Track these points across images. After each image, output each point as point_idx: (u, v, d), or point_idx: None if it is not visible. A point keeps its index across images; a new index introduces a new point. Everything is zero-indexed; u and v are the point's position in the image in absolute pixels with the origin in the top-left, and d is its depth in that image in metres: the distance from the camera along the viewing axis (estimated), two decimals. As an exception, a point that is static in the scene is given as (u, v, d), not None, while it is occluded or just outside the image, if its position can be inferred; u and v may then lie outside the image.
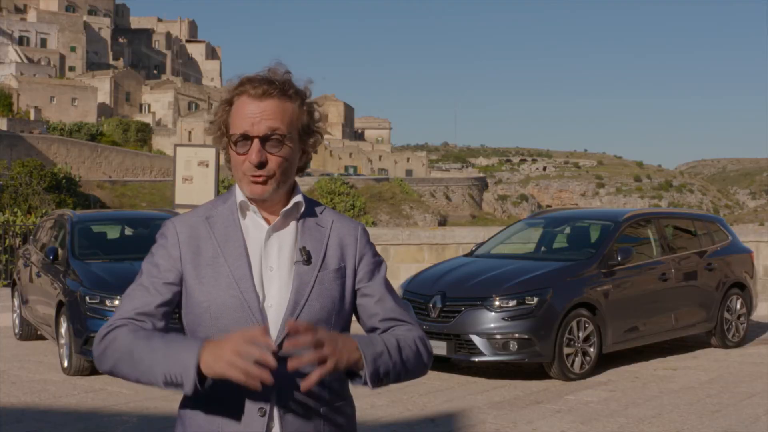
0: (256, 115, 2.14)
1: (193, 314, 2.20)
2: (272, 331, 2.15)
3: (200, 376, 2.00)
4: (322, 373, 1.98)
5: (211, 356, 1.97)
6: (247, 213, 2.24)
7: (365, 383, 2.09)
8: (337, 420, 2.22)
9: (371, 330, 2.29)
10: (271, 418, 2.12)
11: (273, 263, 2.20)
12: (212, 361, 1.96)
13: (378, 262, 2.32)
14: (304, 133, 2.23)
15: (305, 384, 1.99)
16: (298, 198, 2.24)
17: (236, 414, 2.12)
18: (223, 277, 2.17)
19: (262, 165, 2.15)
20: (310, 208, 2.29)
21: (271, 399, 2.12)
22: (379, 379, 2.11)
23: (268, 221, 2.23)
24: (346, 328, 2.27)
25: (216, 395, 2.11)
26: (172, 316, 2.24)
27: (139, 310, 2.18)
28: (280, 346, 2.12)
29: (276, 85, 2.17)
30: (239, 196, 2.24)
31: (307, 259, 2.20)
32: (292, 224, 2.24)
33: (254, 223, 2.23)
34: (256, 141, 2.14)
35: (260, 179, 2.16)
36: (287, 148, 2.17)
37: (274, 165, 2.16)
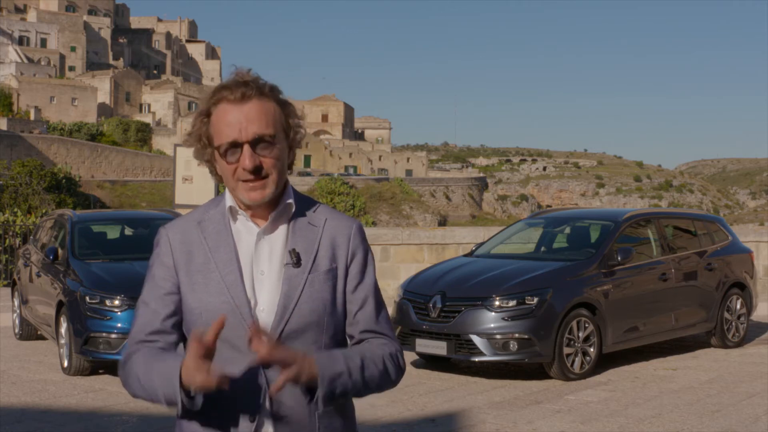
0: (241, 120, 2.11)
1: (187, 321, 2.20)
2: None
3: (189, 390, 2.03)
4: (278, 387, 2.01)
5: (184, 369, 2.00)
6: (238, 217, 2.21)
7: (316, 403, 2.08)
8: (335, 422, 2.21)
9: (349, 336, 2.28)
10: (261, 424, 2.12)
11: (264, 267, 2.17)
12: (185, 375, 1.99)
13: (368, 264, 2.28)
14: (288, 129, 2.20)
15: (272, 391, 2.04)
16: (288, 200, 2.21)
17: (229, 420, 2.12)
18: (213, 283, 2.15)
19: (257, 170, 2.12)
20: (304, 207, 2.25)
21: (263, 405, 2.12)
22: (333, 399, 2.11)
23: (259, 224, 2.20)
24: (339, 329, 2.25)
25: (210, 401, 2.12)
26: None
27: (147, 329, 2.20)
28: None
29: (252, 86, 2.13)
30: (228, 201, 2.21)
31: (297, 262, 2.17)
32: (284, 226, 2.21)
33: (245, 227, 2.21)
34: (246, 146, 2.11)
35: (258, 184, 2.13)
36: (277, 148, 2.15)
37: (269, 166, 2.14)
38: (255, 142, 2.11)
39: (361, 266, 2.25)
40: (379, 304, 2.30)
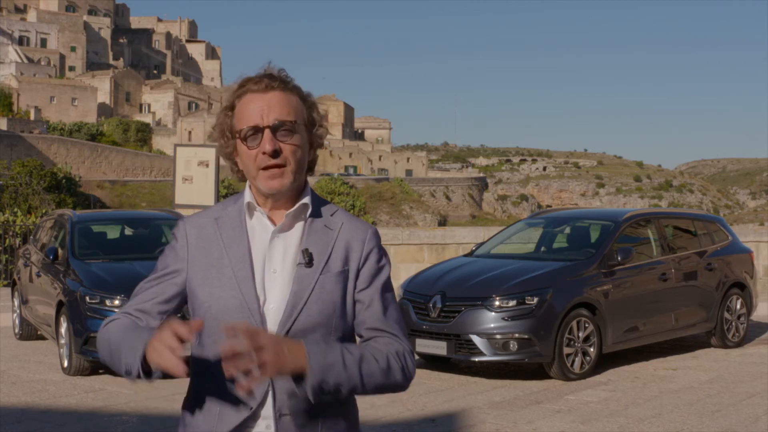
0: (263, 107, 2.15)
1: (196, 315, 2.22)
2: None
3: (148, 366, 2.02)
4: (259, 379, 1.92)
5: (151, 346, 1.99)
6: (255, 214, 2.23)
7: (305, 392, 2.02)
8: (339, 423, 2.20)
9: (358, 335, 2.27)
10: (264, 419, 2.12)
11: (277, 265, 2.18)
12: (151, 351, 1.99)
13: (381, 268, 2.26)
14: (310, 124, 2.24)
15: (239, 387, 1.92)
16: (305, 199, 2.22)
17: (231, 417, 2.12)
18: (226, 279, 2.17)
19: (276, 153, 2.14)
20: (321, 209, 2.26)
21: (266, 402, 2.12)
22: (326, 391, 2.03)
23: (275, 222, 2.22)
24: (347, 332, 2.24)
25: (214, 397, 2.14)
26: (170, 315, 2.25)
27: (136, 306, 2.24)
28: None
29: (277, 78, 2.19)
30: (247, 196, 2.23)
31: (309, 262, 2.17)
32: (299, 226, 2.22)
33: (261, 224, 2.22)
34: (267, 131, 2.14)
35: (277, 171, 2.15)
36: (298, 135, 2.18)
37: (288, 153, 2.16)
38: (275, 128, 2.15)
39: (372, 270, 2.24)
40: (388, 304, 2.26)
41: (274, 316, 2.15)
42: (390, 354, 2.17)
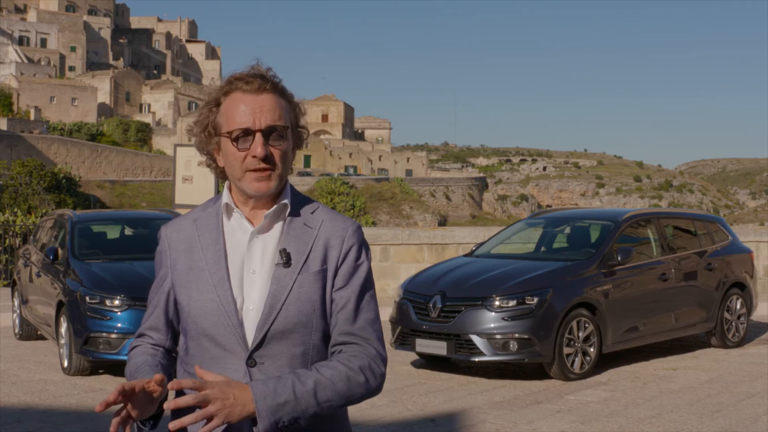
0: (255, 109, 2.13)
1: (180, 318, 2.24)
2: (249, 335, 2.14)
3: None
4: (210, 428, 1.93)
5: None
6: (233, 215, 2.21)
7: None
8: (327, 426, 2.17)
9: (332, 341, 2.21)
10: (246, 424, 2.07)
11: (256, 266, 2.17)
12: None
13: (359, 266, 2.22)
14: (296, 128, 2.23)
15: None
16: (283, 200, 2.20)
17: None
18: (203, 281, 2.17)
19: (267, 159, 2.13)
20: (301, 208, 2.24)
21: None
22: (282, 428, 2.01)
23: (254, 223, 2.21)
24: (328, 331, 2.21)
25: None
26: (177, 323, 2.29)
27: (145, 324, 2.29)
28: (256, 348, 2.13)
29: (269, 80, 2.17)
30: (225, 197, 2.22)
31: (287, 261, 2.15)
32: (278, 226, 2.20)
33: (240, 225, 2.21)
34: (259, 135, 2.12)
35: (265, 174, 2.13)
36: (286, 142, 2.17)
37: (277, 159, 2.15)
38: (267, 132, 2.13)
39: (350, 268, 2.21)
40: (364, 305, 2.21)
41: (253, 318, 2.14)
42: (351, 371, 2.12)
